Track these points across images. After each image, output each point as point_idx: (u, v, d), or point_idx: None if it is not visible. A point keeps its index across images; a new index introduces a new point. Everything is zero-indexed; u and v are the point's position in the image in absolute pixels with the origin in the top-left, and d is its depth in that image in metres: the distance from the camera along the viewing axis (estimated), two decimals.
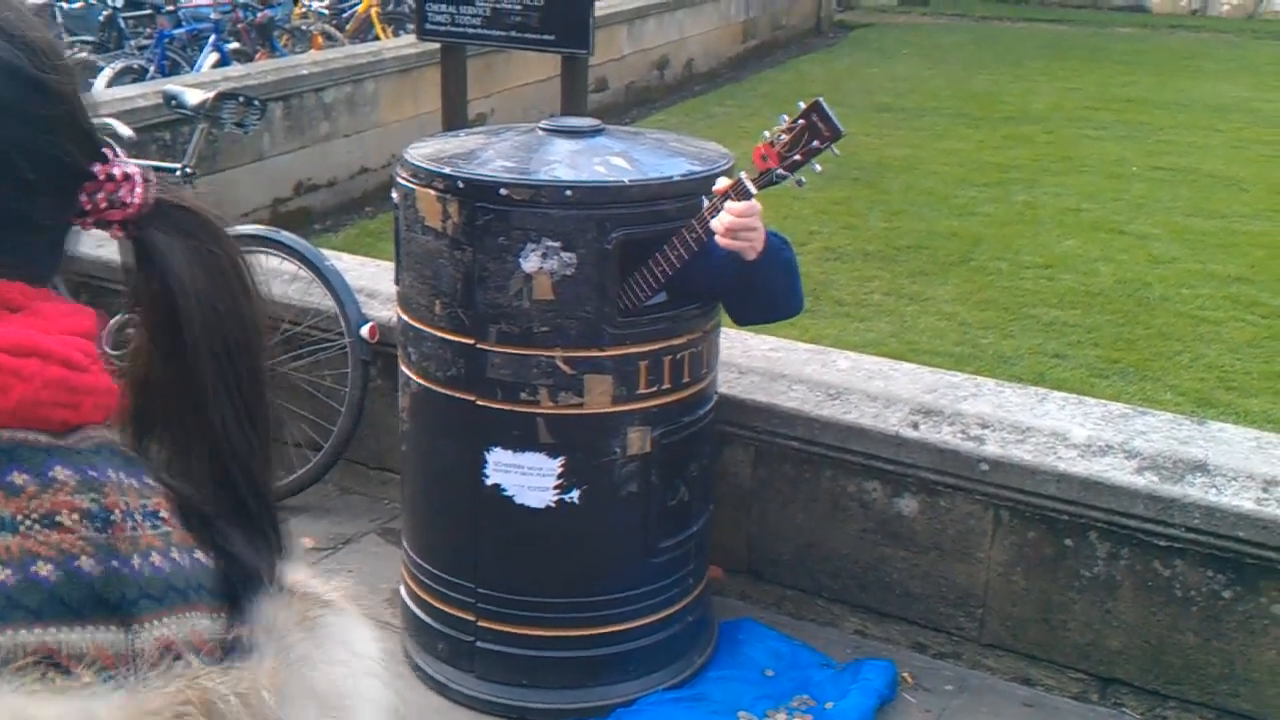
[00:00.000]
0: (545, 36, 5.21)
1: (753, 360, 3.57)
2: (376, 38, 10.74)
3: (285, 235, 4.07)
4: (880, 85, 12.29)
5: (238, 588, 0.85)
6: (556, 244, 2.83)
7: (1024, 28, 16.46)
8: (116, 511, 0.78)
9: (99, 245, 4.61)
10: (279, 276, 4.19)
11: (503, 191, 2.83)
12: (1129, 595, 3.13)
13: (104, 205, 0.84)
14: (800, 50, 14.94)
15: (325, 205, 8.07)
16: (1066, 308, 6.42)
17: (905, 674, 3.32)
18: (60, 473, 0.76)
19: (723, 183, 2.82)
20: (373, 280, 4.09)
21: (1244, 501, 2.94)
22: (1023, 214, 8.02)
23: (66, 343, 0.80)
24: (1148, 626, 3.13)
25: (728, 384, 3.45)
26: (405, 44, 8.88)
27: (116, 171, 0.84)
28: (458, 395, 3.01)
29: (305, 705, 0.80)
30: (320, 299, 4.00)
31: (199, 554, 0.83)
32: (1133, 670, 3.17)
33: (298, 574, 0.89)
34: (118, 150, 0.87)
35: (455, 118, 6.23)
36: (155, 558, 0.79)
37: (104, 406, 0.83)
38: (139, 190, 0.84)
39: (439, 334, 3.00)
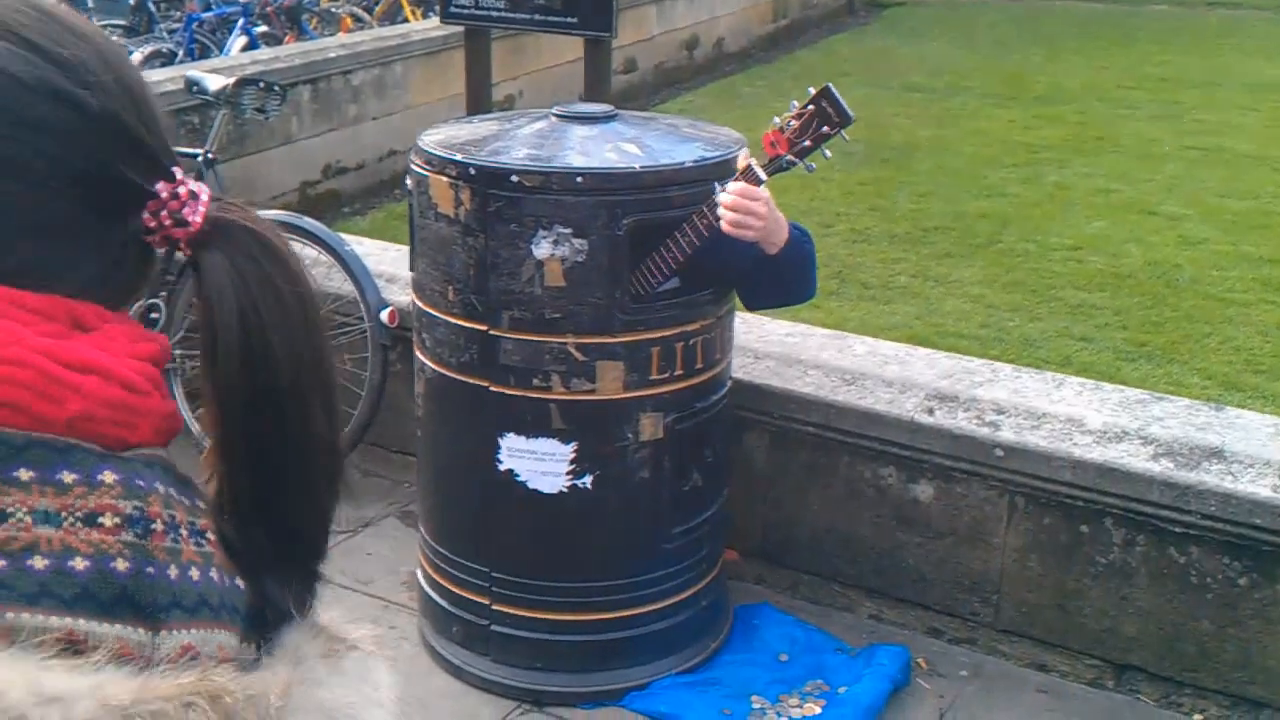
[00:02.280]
0: (568, 19, 5.21)
1: (769, 345, 3.57)
2: (405, 20, 10.75)
3: (306, 220, 4.10)
4: (912, 65, 12.21)
5: (269, 622, 0.86)
6: (568, 230, 2.84)
7: (1058, 6, 16.28)
8: (158, 521, 0.79)
9: None
10: (300, 260, 4.21)
11: (514, 178, 2.83)
12: (1145, 582, 3.11)
13: (168, 223, 0.84)
14: (832, 29, 14.86)
15: (354, 188, 8.10)
16: (1094, 290, 6.37)
17: (920, 659, 3.31)
18: (108, 476, 0.78)
19: (740, 161, 2.81)
20: (393, 265, 4.11)
21: (1260, 488, 2.92)
22: (1053, 195, 7.96)
23: (130, 365, 0.81)
24: (1164, 613, 3.11)
25: (743, 369, 3.45)
26: (433, 26, 8.87)
27: (182, 190, 0.84)
28: (471, 381, 3.02)
29: (312, 716, 0.81)
30: (340, 283, 4.03)
31: (238, 581, 0.84)
32: (1148, 657, 3.16)
33: (330, 613, 0.90)
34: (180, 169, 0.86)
35: (479, 102, 6.24)
36: (194, 572, 0.80)
37: (163, 430, 0.84)
38: (201, 209, 0.84)
39: (452, 320, 3.02)
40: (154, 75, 7.05)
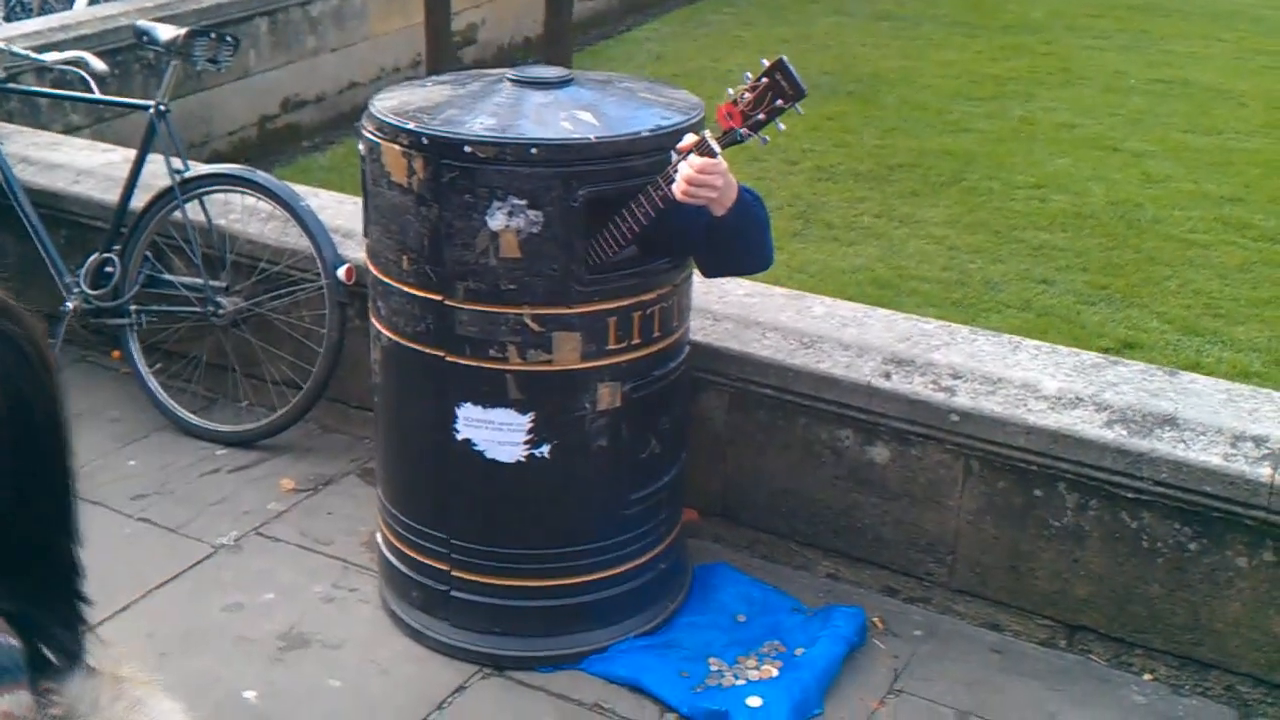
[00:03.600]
0: None
1: (728, 306, 3.56)
2: None
3: (260, 175, 4.04)
4: None
5: (53, 671, 0.93)
6: (523, 202, 2.81)
7: None
8: None
9: (75, 181, 4.59)
10: (256, 215, 4.17)
11: (467, 149, 2.80)
12: (1097, 545, 3.15)
13: None
14: None
15: (314, 122, 7.99)
16: (1057, 230, 6.38)
17: (875, 618, 3.35)
18: None
19: (688, 139, 2.78)
20: (350, 219, 4.06)
21: (1211, 456, 2.95)
22: (1018, 130, 7.93)
23: None
24: (1115, 576, 3.16)
25: (702, 331, 3.45)
26: None
27: None
28: (427, 351, 3.01)
29: None
30: (296, 239, 3.99)
31: (10, 639, 0.90)
32: (1099, 618, 3.21)
33: (99, 656, 0.98)
34: None
35: (440, 50, 6.16)
36: None
37: None
38: None
39: (407, 289, 2.99)
40: (110, 9, 6.90)
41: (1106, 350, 4.81)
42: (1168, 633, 3.13)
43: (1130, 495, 3.06)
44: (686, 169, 2.72)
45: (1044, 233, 6.34)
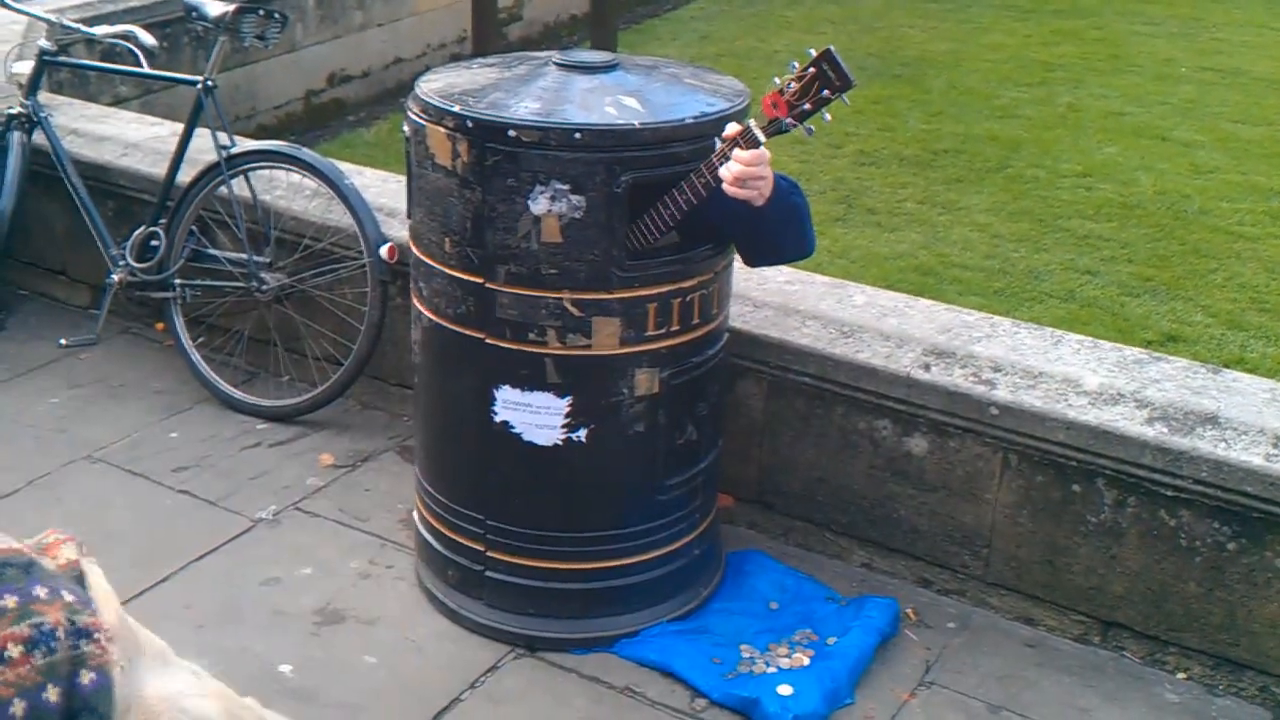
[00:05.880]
0: None
1: (768, 293, 3.56)
2: None
3: (306, 153, 4.06)
4: None
5: None
6: (565, 187, 2.81)
7: None
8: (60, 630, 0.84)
9: (123, 154, 4.62)
10: (300, 192, 4.19)
11: (511, 133, 2.80)
12: (1134, 542, 3.13)
13: None
14: None
15: (359, 97, 8.03)
16: (1102, 220, 6.32)
17: (909, 610, 3.35)
18: (9, 601, 0.81)
19: (732, 128, 2.78)
20: (393, 198, 4.08)
21: (1253, 457, 2.93)
22: (1065, 117, 7.86)
23: None
24: (1151, 574, 3.14)
25: (741, 318, 3.44)
26: None
27: None
28: (467, 333, 3.02)
29: None
30: (340, 217, 4.01)
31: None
32: (1134, 615, 3.19)
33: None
34: None
35: (486, 27, 6.17)
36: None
37: None
38: None
39: (449, 271, 3.01)
40: None
41: (1150, 344, 4.78)
42: (1203, 632, 3.11)
43: (1169, 493, 3.04)
44: (735, 165, 2.71)
45: (1089, 222, 6.29)
